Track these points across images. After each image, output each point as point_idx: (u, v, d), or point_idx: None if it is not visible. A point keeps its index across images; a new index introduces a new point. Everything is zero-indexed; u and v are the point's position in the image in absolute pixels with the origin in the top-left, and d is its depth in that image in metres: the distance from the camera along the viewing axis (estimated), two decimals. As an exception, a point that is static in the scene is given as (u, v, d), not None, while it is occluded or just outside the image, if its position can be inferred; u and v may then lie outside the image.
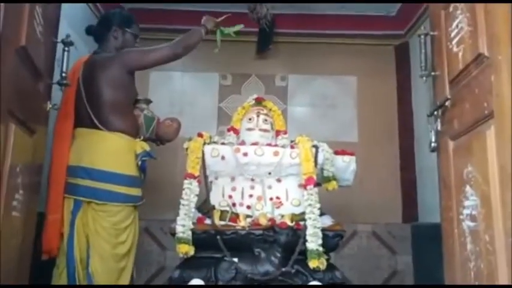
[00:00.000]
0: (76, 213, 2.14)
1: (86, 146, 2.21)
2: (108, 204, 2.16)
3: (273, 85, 3.92)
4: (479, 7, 1.35)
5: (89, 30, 2.55)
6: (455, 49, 1.53)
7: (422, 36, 1.79)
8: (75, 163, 2.18)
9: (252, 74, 3.94)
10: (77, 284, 2.08)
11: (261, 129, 2.48)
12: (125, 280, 2.21)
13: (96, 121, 2.23)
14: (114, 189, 2.17)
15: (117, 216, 2.18)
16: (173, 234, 2.14)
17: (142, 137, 2.37)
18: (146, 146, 2.32)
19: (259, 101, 2.59)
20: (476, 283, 1.35)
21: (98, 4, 3.46)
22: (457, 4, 1.52)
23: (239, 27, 2.73)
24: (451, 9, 1.57)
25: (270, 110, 2.59)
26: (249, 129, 2.48)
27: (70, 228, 2.13)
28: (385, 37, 3.88)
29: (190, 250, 2.10)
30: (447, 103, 1.61)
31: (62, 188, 2.15)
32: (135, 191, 2.27)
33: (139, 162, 2.26)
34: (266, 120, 2.52)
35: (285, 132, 2.55)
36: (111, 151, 2.22)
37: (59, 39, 1.90)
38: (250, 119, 2.52)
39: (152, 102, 2.56)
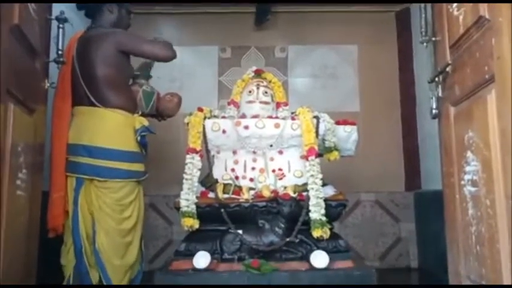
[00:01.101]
0: (79, 190, 2.17)
1: (85, 124, 2.21)
2: (110, 181, 2.18)
3: (272, 57, 3.88)
4: (480, -32, 1.31)
5: (81, 5, 2.49)
6: (455, 13, 1.50)
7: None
8: (75, 141, 2.19)
9: (251, 46, 3.89)
10: (85, 259, 2.12)
11: (261, 102, 2.46)
12: (132, 255, 2.24)
13: (92, 99, 2.22)
14: (115, 165, 2.18)
15: (119, 193, 2.20)
16: (178, 208, 2.17)
17: (141, 113, 2.36)
18: (145, 121, 2.31)
19: (258, 73, 2.57)
20: (478, 247, 1.37)
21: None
22: (458, -34, 1.48)
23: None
24: (451, -29, 1.53)
25: (270, 81, 2.57)
26: (249, 102, 2.47)
27: (74, 206, 2.16)
28: (385, 3, 3.80)
29: (195, 223, 2.12)
30: (448, 68, 1.58)
31: (63, 166, 2.17)
32: (137, 167, 2.28)
33: (139, 138, 2.26)
34: (266, 92, 2.50)
35: (286, 104, 2.54)
36: (110, 128, 2.22)
37: (55, 16, 1.87)
38: (250, 92, 2.50)
39: (152, 77, 2.54)
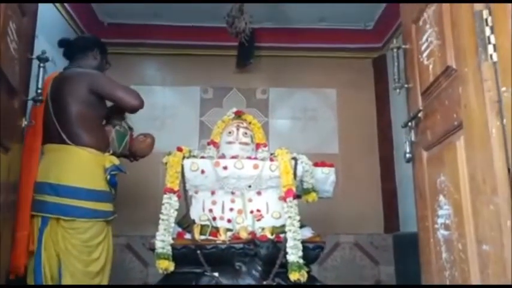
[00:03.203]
0: (43, 230, 2.09)
1: (53, 162, 2.17)
2: (77, 220, 2.11)
3: (254, 98, 3.95)
4: (447, 21, 1.39)
5: (64, 43, 2.51)
6: (426, 62, 1.57)
7: (395, 50, 1.82)
8: (42, 179, 2.13)
9: (233, 87, 3.97)
10: None
11: (241, 143, 2.49)
12: None
13: (64, 136, 2.20)
14: (81, 204, 2.12)
15: (87, 233, 2.13)
16: (153, 249, 2.12)
17: (111, 152, 2.33)
18: (115, 160, 2.28)
19: (238, 115, 2.61)
20: (452, 292, 1.37)
21: (77, 21, 3.47)
22: (426, 18, 1.56)
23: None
24: (421, 23, 1.62)
25: (250, 123, 2.60)
26: (229, 143, 2.49)
27: (38, 245, 2.07)
28: (363, 50, 3.96)
29: (170, 266, 2.07)
30: (420, 114, 1.64)
31: (29, 205, 2.08)
32: (105, 206, 2.21)
33: (108, 177, 2.21)
34: (246, 133, 2.53)
35: (265, 145, 2.56)
36: (78, 166, 2.18)
37: (36, 55, 1.89)
38: (230, 133, 2.52)
39: (126, 118, 2.53)
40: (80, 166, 2.18)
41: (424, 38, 1.58)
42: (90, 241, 2.14)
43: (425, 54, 1.58)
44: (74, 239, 2.11)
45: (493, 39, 1.15)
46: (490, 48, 1.16)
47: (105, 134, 2.35)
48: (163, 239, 2.10)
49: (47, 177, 2.14)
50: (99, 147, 2.26)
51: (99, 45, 2.51)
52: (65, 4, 3.23)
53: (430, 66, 1.53)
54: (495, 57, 1.15)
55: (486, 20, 1.17)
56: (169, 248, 2.10)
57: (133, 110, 2.34)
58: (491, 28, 1.16)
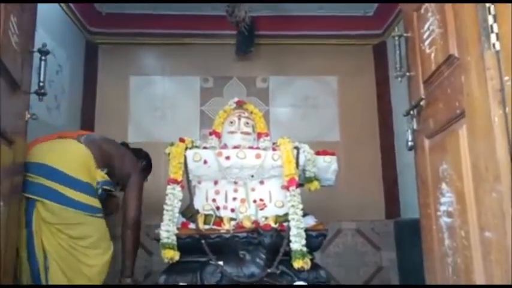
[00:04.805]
0: (32, 212, 1.94)
1: (48, 147, 2.13)
2: (69, 210, 1.99)
3: (254, 87, 3.95)
4: (449, 10, 1.39)
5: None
6: (427, 50, 1.57)
7: (396, 38, 1.83)
8: (34, 160, 2.01)
9: (233, 76, 3.96)
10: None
11: (242, 132, 2.49)
12: None
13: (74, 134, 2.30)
14: (69, 194, 2.01)
15: (77, 229, 2.02)
16: (158, 240, 2.14)
17: None
18: (106, 177, 2.23)
19: (240, 104, 2.61)
20: (454, 278, 1.39)
21: (75, 11, 3.44)
22: (428, 6, 1.56)
23: None
24: (422, 11, 1.61)
25: (251, 112, 2.60)
26: (231, 133, 2.49)
27: (27, 229, 1.92)
28: (363, 37, 3.94)
29: (175, 255, 2.10)
30: (422, 103, 1.65)
31: None
32: (94, 202, 2.13)
33: (100, 191, 2.16)
34: (247, 123, 2.53)
35: (267, 135, 2.56)
36: (75, 157, 2.14)
37: (37, 48, 1.89)
38: (231, 122, 2.53)
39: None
40: (76, 157, 2.14)
41: (426, 26, 1.58)
42: (81, 240, 2.04)
43: (427, 43, 1.58)
44: (63, 234, 1.99)
45: (495, 28, 1.15)
46: (493, 37, 1.16)
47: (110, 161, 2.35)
48: (168, 229, 2.12)
49: (43, 159, 2.02)
50: (94, 156, 2.22)
51: (148, 161, 2.78)
52: (63, -5, 3.21)
53: (432, 55, 1.53)
54: (498, 46, 1.15)
55: (489, 8, 1.17)
56: (174, 238, 2.12)
57: (127, 217, 2.42)
58: (494, 17, 1.16)
